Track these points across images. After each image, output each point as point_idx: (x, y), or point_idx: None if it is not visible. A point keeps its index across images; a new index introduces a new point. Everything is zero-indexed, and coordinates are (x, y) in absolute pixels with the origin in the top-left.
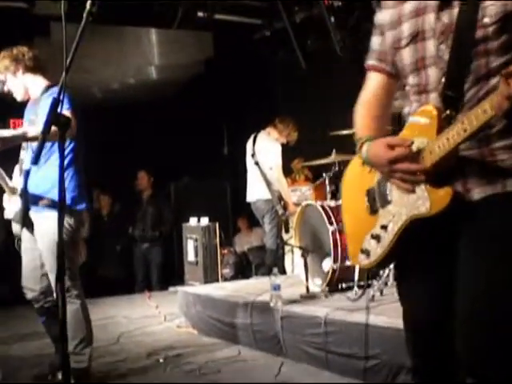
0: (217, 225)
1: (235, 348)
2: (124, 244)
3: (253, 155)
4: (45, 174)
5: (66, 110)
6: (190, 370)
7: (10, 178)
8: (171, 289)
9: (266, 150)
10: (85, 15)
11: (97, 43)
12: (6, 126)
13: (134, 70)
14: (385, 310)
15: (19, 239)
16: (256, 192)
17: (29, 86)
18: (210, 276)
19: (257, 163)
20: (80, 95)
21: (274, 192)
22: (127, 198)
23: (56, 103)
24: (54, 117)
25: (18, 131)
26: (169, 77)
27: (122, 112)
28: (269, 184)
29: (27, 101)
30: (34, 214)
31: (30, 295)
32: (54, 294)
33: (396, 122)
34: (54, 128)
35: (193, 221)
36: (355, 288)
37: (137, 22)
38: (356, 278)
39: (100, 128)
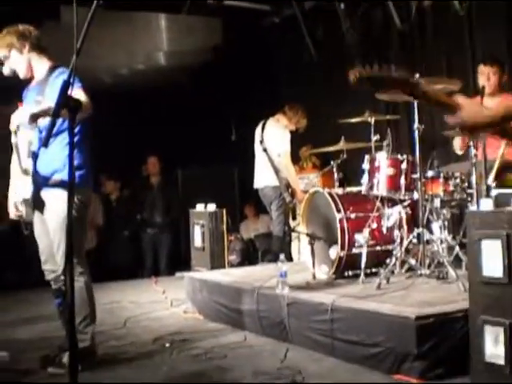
0: (224, 211)
1: (241, 334)
2: (132, 229)
3: (261, 142)
4: (53, 154)
5: (77, 89)
6: (196, 355)
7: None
8: (178, 274)
9: (274, 136)
10: None
11: (106, 28)
12: (13, 109)
13: (143, 56)
14: (391, 298)
15: (28, 223)
16: (264, 179)
17: (33, 65)
18: (217, 262)
19: (265, 150)
20: (88, 80)
21: (282, 179)
22: (135, 183)
23: (66, 86)
24: (64, 100)
25: (46, 106)
26: (177, 63)
27: (130, 97)
28: (277, 171)
29: (29, 81)
30: (44, 193)
31: (50, 276)
32: (60, 270)
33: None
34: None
35: (200, 207)
36: (362, 275)
37: (146, 7)
38: (363, 265)
39: (108, 113)
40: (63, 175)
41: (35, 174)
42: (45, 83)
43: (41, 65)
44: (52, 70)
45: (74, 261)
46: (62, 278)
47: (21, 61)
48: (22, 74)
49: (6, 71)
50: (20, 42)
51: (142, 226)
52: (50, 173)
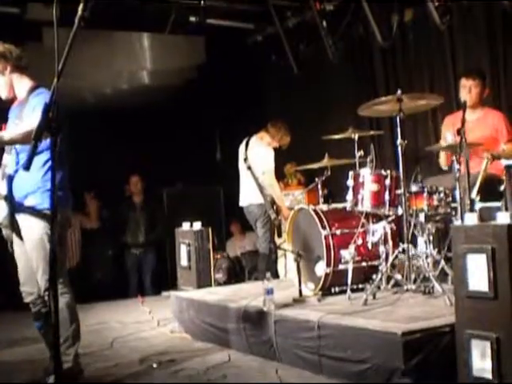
0: (210, 229)
1: (228, 353)
2: (116, 249)
3: (245, 160)
4: (27, 177)
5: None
6: (184, 376)
7: None
8: (164, 294)
9: (258, 154)
10: (76, 20)
11: (89, 48)
12: None
13: (127, 75)
14: (378, 314)
15: (11, 241)
16: (249, 196)
17: (15, 86)
18: (203, 281)
19: (249, 168)
20: (72, 100)
21: (267, 196)
22: (119, 203)
23: (48, 108)
24: (46, 122)
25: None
26: (161, 82)
27: (113, 117)
28: (261, 188)
29: (12, 101)
30: (19, 216)
31: (28, 299)
32: (42, 291)
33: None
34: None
35: (185, 226)
36: (348, 292)
37: (129, 27)
38: (349, 281)
39: (92, 133)
40: (36, 197)
41: (11, 197)
42: (24, 104)
43: (22, 85)
44: (32, 90)
45: None
46: (40, 300)
47: (2, 82)
48: (3, 95)
49: None
50: (1, 64)
51: (125, 247)
52: (24, 195)
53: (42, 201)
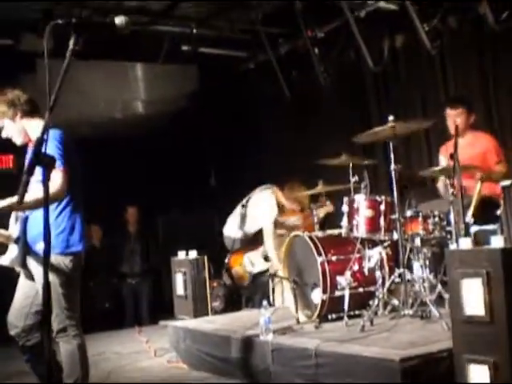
0: (205, 258)
1: (225, 383)
2: (112, 279)
3: (243, 206)
4: (39, 220)
5: (58, 167)
6: None
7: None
8: (161, 323)
9: (262, 209)
10: (68, 54)
11: (83, 78)
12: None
13: (121, 105)
14: (375, 341)
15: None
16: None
17: (28, 131)
18: (200, 310)
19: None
20: (66, 130)
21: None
22: (114, 232)
23: (39, 143)
24: (37, 157)
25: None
26: (155, 110)
27: (109, 146)
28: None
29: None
30: (33, 258)
31: (13, 332)
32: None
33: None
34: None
35: (181, 254)
36: (345, 318)
37: (122, 57)
38: (346, 308)
39: (87, 162)
40: (52, 240)
41: (24, 238)
42: None
43: (34, 129)
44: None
45: (67, 323)
46: (24, 334)
47: (15, 129)
48: (18, 142)
49: (3, 136)
50: (11, 111)
51: (121, 276)
52: (36, 239)
53: (54, 244)
